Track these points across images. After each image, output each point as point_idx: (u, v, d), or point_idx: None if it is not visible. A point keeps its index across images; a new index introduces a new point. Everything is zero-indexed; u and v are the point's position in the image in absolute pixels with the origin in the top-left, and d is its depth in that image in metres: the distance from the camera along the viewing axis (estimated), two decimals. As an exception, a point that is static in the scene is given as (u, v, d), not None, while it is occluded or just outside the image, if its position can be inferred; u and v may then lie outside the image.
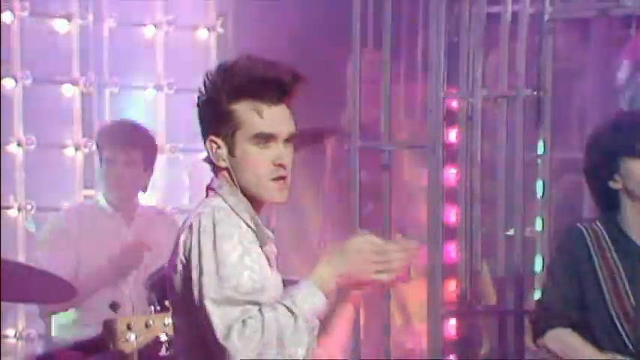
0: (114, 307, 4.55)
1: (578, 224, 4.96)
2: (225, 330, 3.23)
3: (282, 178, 3.40)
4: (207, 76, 3.42)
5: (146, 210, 6.19)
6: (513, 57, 5.80)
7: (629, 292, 4.80)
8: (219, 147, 3.42)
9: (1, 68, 6.32)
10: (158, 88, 6.67)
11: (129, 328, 4.40)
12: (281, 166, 3.39)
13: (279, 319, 3.32)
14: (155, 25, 6.67)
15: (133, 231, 5.90)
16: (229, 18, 6.99)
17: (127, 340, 4.47)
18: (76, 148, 6.32)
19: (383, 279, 3.40)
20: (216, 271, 3.28)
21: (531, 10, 5.70)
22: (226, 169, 3.46)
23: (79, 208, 6.26)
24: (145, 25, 6.74)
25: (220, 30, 6.91)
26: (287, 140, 3.43)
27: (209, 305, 3.24)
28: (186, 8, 7.06)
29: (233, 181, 3.52)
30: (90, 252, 5.80)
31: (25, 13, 6.39)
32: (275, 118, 3.42)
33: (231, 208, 3.44)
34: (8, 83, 6.38)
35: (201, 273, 3.26)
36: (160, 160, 6.62)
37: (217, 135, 3.41)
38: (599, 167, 4.78)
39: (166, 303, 4.16)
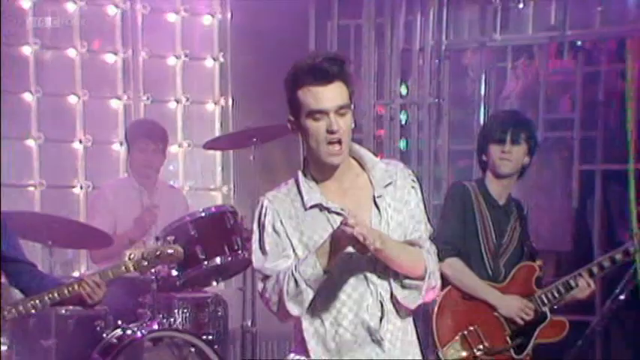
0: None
1: (464, 182, 5.90)
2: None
3: (336, 142, 3.81)
4: (287, 75, 3.97)
5: (162, 185, 7.18)
6: (422, 75, 7.36)
7: (494, 234, 5.69)
8: (293, 124, 3.89)
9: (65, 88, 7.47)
10: (178, 101, 7.97)
11: (143, 256, 5.09)
12: (332, 132, 3.78)
13: (284, 282, 3.80)
14: (175, 57, 7.96)
15: (153, 199, 6.90)
16: (228, 51, 8.12)
17: (141, 265, 5.12)
18: (120, 144, 7.53)
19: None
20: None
21: (432, 43, 7.35)
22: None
23: (115, 183, 7.30)
24: (168, 56, 8.00)
25: (222, 60, 8.14)
26: (339, 111, 3.83)
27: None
28: (197, 44, 8.11)
29: (303, 149, 4.10)
30: (122, 214, 6.75)
31: (84, 50, 7.73)
32: (324, 97, 3.80)
33: (303, 178, 3.94)
34: (72, 99, 7.68)
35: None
36: (178, 152, 7.91)
37: (292, 115, 3.89)
38: (479, 148, 5.74)
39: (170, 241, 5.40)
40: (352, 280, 3.91)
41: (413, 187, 4.06)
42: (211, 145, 7.40)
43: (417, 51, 7.29)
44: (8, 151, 7.37)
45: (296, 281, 3.79)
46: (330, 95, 3.79)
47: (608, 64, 7.25)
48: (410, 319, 4.05)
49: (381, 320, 3.89)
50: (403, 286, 3.91)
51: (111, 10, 7.80)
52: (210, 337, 6.46)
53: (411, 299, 3.93)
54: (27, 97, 7.57)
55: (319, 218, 3.93)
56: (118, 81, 7.85)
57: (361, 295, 3.90)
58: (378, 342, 3.89)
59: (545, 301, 5.57)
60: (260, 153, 6.93)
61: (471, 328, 5.51)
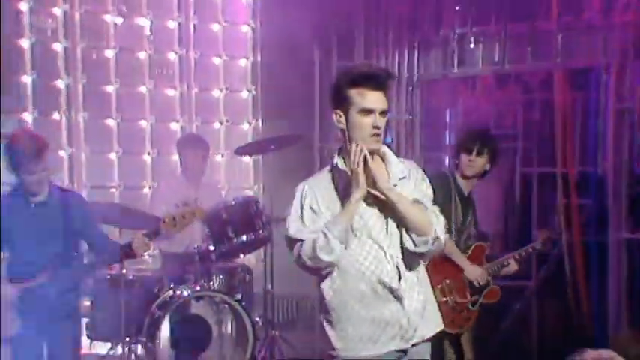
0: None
1: (444, 171, 6.09)
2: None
3: (377, 135, 3.87)
4: (336, 76, 4.02)
5: (204, 182, 7.19)
6: (399, 99, 7.64)
7: (461, 217, 5.80)
8: (340, 116, 3.91)
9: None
10: (221, 122, 8.29)
11: (173, 218, 5.20)
12: (376, 127, 3.85)
13: (317, 239, 3.84)
14: (220, 90, 8.30)
15: (198, 194, 6.92)
16: (258, 86, 8.33)
17: (172, 224, 5.22)
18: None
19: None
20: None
21: (407, 75, 7.65)
22: (342, 130, 3.94)
23: (169, 181, 7.38)
24: (213, 89, 8.29)
25: (254, 92, 8.38)
26: (381, 113, 3.87)
27: None
28: (235, 80, 8.36)
29: (345, 137, 3.95)
30: (172, 204, 6.60)
31: (151, 86, 8.05)
32: (373, 99, 3.87)
33: (340, 162, 3.96)
34: (143, 123, 7.97)
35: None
36: (221, 161, 8.23)
37: (339, 109, 3.90)
38: (454, 153, 5.86)
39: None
40: (373, 252, 3.93)
41: (423, 179, 4.12)
42: (240, 151, 7.36)
43: (394, 82, 7.31)
44: (96, 161, 7.80)
45: (325, 234, 3.82)
46: (378, 99, 3.86)
47: (541, 92, 7.29)
48: (424, 276, 4.09)
49: (399, 280, 3.91)
50: (415, 243, 3.93)
51: (171, 55, 8.12)
52: (239, 296, 6.57)
53: (423, 251, 3.96)
54: (110, 122, 7.90)
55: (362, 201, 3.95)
56: (176, 108, 8.16)
57: (380, 262, 3.91)
58: (399, 298, 3.92)
59: (489, 272, 5.76)
60: (278, 158, 7.06)
61: (447, 281, 5.64)
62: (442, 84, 7.69)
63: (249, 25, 8.37)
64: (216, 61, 8.33)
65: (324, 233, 3.81)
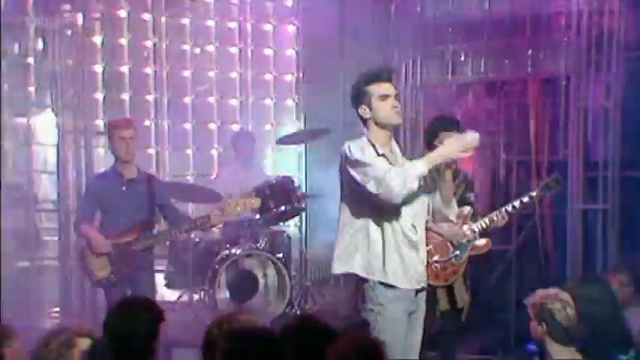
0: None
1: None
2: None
3: (398, 111, 4.05)
4: (355, 81, 4.14)
5: (255, 166, 7.45)
6: (405, 100, 7.33)
7: None
8: (364, 109, 4.06)
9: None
10: (271, 124, 8.31)
11: (236, 202, 5.46)
12: (396, 106, 4.05)
13: (397, 172, 3.88)
14: (270, 98, 8.29)
15: (249, 175, 7.04)
16: (301, 96, 8.25)
17: (234, 208, 5.44)
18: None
19: (465, 154, 3.91)
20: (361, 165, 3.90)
21: (412, 81, 7.48)
22: (368, 119, 4.08)
23: (228, 167, 7.56)
24: (265, 99, 8.30)
25: (297, 101, 8.30)
26: (395, 96, 4.06)
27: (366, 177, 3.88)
28: (283, 90, 8.35)
29: (373, 124, 4.08)
30: (229, 183, 6.82)
31: (220, 97, 8.14)
32: (387, 87, 4.07)
33: (368, 140, 4.06)
34: (212, 126, 8.06)
35: (355, 166, 3.91)
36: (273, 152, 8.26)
37: (363, 104, 4.06)
38: (430, 137, 5.45)
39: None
40: (419, 223, 4.14)
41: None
42: (281, 141, 7.41)
43: (404, 85, 7.44)
44: (176, 156, 8.00)
45: (407, 171, 3.89)
46: (389, 87, 4.09)
47: (518, 97, 7.21)
48: (423, 236, 4.25)
49: (416, 234, 4.10)
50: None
51: (233, 74, 8.26)
52: (280, 255, 6.67)
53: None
54: (186, 126, 8.09)
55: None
56: (236, 114, 8.28)
57: (405, 220, 4.06)
58: (416, 249, 4.12)
59: (476, 229, 5.53)
60: (312, 148, 7.10)
61: (429, 247, 5.29)
62: (440, 89, 7.66)
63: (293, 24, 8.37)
64: (268, 77, 8.43)
65: (404, 171, 3.88)
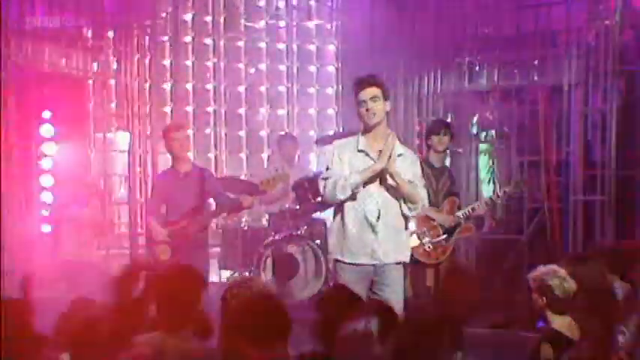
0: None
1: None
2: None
3: (370, 115, 4.27)
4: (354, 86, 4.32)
5: (296, 163, 7.77)
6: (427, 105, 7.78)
7: (434, 182, 6.00)
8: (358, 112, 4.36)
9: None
10: (314, 130, 8.85)
11: (268, 180, 5.82)
12: (367, 110, 4.28)
13: (332, 183, 4.25)
14: (314, 109, 8.82)
15: (292, 171, 7.18)
16: (340, 108, 8.68)
17: (268, 185, 5.85)
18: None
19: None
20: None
21: (433, 88, 7.80)
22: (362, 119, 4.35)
23: (270, 164, 7.96)
24: (310, 109, 8.86)
25: (337, 110, 8.74)
26: (373, 100, 4.26)
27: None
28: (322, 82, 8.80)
29: (362, 124, 4.38)
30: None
31: (268, 107, 8.85)
32: (366, 94, 4.30)
33: (357, 136, 4.37)
34: (263, 133, 8.72)
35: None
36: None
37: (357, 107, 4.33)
38: (426, 137, 6.07)
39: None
40: (368, 201, 4.32)
41: (416, 161, 4.57)
42: (319, 141, 7.87)
43: (425, 94, 7.82)
44: (232, 159, 8.69)
45: (345, 180, 4.24)
46: (370, 93, 4.32)
47: (529, 104, 7.46)
48: (400, 222, 4.46)
49: (377, 220, 4.34)
50: (409, 209, 4.45)
51: (282, 88, 8.86)
52: (318, 241, 7.01)
53: (412, 214, 4.52)
54: (241, 133, 8.80)
55: (364, 159, 4.44)
56: (284, 123, 8.85)
57: (368, 207, 4.33)
58: (375, 231, 4.35)
59: (462, 216, 6.07)
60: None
61: (423, 229, 6.00)
62: (458, 96, 7.89)
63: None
64: (312, 68, 8.93)
65: (345, 179, 4.27)
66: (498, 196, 6.22)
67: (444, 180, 6.18)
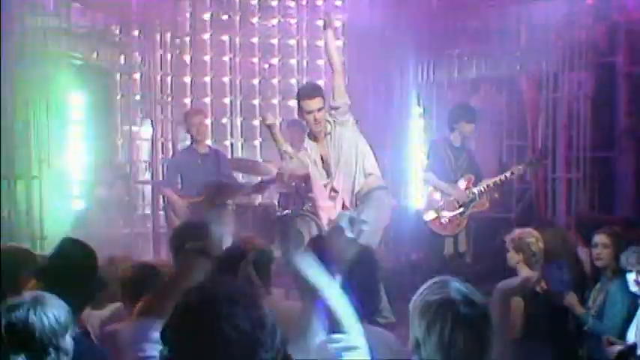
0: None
1: (437, 140, 6.59)
2: None
3: (318, 124, 4.84)
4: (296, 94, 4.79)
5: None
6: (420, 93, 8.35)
7: (454, 160, 6.42)
8: (302, 117, 4.96)
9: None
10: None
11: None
12: (315, 120, 4.86)
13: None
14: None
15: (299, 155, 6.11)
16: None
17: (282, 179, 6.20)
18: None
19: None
20: None
21: (426, 78, 8.36)
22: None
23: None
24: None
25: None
26: (319, 110, 4.78)
27: None
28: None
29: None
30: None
31: (280, 98, 9.11)
32: (311, 104, 4.84)
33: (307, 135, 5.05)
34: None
35: None
36: None
37: (300, 113, 4.95)
38: (451, 120, 6.35)
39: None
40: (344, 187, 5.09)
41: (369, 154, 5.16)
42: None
43: (419, 81, 8.30)
44: (247, 146, 8.94)
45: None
46: (314, 103, 4.85)
47: (516, 93, 7.75)
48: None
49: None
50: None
51: (293, 81, 9.07)
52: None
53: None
54: (255, 122, 8.94)
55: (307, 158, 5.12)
56: (295, 113, 7.84)
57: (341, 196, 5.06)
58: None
59: (476, 192, 6.38)
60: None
61: (440, 204, 6.41)
62: (448, 84, 8.30)
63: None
64: (320, 62, 9.02)
65: None
66: (513, 174, 6.50)
67: (463, 159, 6.49)
